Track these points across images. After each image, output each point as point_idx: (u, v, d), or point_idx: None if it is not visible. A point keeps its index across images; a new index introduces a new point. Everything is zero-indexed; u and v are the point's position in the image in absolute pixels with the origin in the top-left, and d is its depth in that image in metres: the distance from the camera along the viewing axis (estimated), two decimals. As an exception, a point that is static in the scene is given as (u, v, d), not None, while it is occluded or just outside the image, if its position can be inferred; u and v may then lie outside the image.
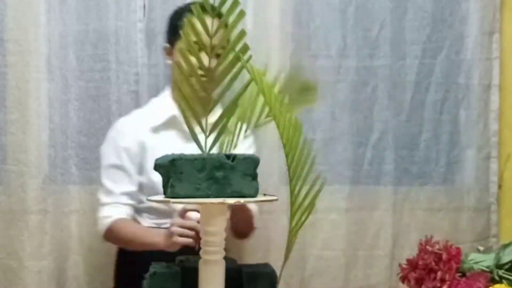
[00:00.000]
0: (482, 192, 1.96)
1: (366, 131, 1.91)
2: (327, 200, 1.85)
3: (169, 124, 1.64)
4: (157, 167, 1.09)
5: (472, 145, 1.96)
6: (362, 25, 1.90)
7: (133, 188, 1.61)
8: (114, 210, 1.60)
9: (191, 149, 1.48)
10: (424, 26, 1.91)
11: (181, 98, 1.14)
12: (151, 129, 1.63)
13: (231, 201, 1.05)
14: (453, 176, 1.96)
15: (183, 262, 1.21)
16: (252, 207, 1.61)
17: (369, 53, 1.90)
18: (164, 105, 1.66)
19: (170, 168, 1.05)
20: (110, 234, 1.59)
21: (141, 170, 1.62)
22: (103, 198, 1.62)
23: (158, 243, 1.47)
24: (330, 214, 1.88)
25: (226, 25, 1.11)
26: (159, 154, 1.41)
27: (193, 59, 1.11)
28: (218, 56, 1.12)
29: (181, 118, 1.57)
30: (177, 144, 1.55)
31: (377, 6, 1.89)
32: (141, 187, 1.62)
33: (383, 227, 1.91)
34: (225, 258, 1.11)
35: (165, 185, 1.08)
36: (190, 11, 1.52)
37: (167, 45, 1.67)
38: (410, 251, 1.87)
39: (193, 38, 1.11)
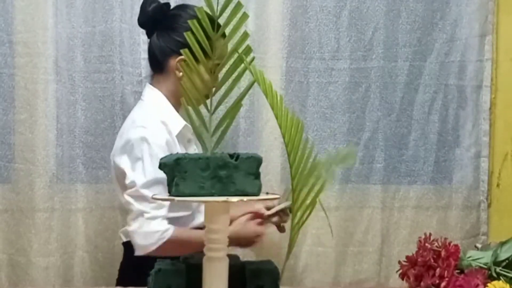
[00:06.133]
0: (472, 190, 1.98)
1: (358, 130, 1.94)
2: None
3: (183, 133, 1.65)
4: (162, 166, 1.11)
5: (463, 144, 1.98)
6: (355, 28, 1.92)
7: None
8: (166, 222, 1.57)
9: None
10: (416, 29, 1.94)
11: (186, 98, 1.17)
12: (175, 138, 1.62)
13: (235, 199, 1.08)
14: (443, 174, 1.98)
15: (187, 259, 1.23)
16: None
17: (362, 55, 1.93)
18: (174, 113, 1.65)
19: (174, 167, 1.07)
20: (171, 245, 1.55)
21: None
22: (155, 212, 1.55)
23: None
24: (320, 211, 1.90)
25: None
26: None
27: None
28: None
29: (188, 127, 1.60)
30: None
31: (371, 9, 1.92)
32: None
33: (372, 224, 1.93)
34: (229, 255, 1.13)
35: (169, 184, 1.10)
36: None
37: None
38: (399, 248, 1.92)
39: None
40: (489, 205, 2.00)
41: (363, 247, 1.93)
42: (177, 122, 1.64)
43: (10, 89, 1.81)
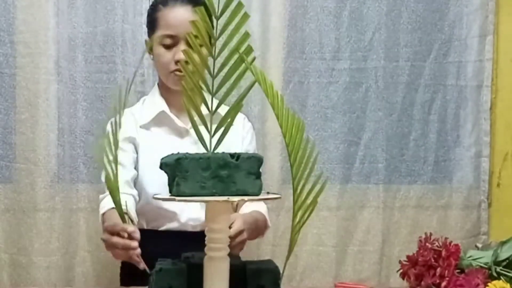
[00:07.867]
0: (473, 190, 1.98)
1: (358, 130, 1.94)
2: (319, 197, 1.88)
3: (159, 120, 1.60)
4: (163, 165, 1.11)
5: (463, 144, 1.99)
6: (356, 29, 1.93)
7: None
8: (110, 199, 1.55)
9: (186, 144, 1.50)
10: (416, 29, 1.94)
11: (186, 98, 1.17)
12: (141, 127, 1.59)
13: (236, 199, 1.08)
14: (443, 174, 1.99)
15: (188, 258, 1.23)
16: (263, 209, 1.60)
17: (362, 56, 1.93)
18: (152, 102, 1.62)
19: (175, 166, 1.07)
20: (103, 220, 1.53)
21: (136, 166, 1.57)
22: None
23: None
24: (321, 211, 1.91)
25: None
26: (151, 150, 1.41)
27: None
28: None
29: (171, 114, 1.57)
30: (170, 140, 1.56)
31: (372, 10, 1.93)
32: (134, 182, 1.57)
33: (373, 223, 1.94)
34: (229, 255, 1.14)
35: (170, 184, 1.10)
36: (162, 3, 1.55)
37: (148, 39, 1.62)
38: (399, 247, 1.92)
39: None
40: (489, 205, 2.00)
41: (363, 247, 1.94)
42: (155, 106, 1.60)
43: (12, 89, 1.81)
